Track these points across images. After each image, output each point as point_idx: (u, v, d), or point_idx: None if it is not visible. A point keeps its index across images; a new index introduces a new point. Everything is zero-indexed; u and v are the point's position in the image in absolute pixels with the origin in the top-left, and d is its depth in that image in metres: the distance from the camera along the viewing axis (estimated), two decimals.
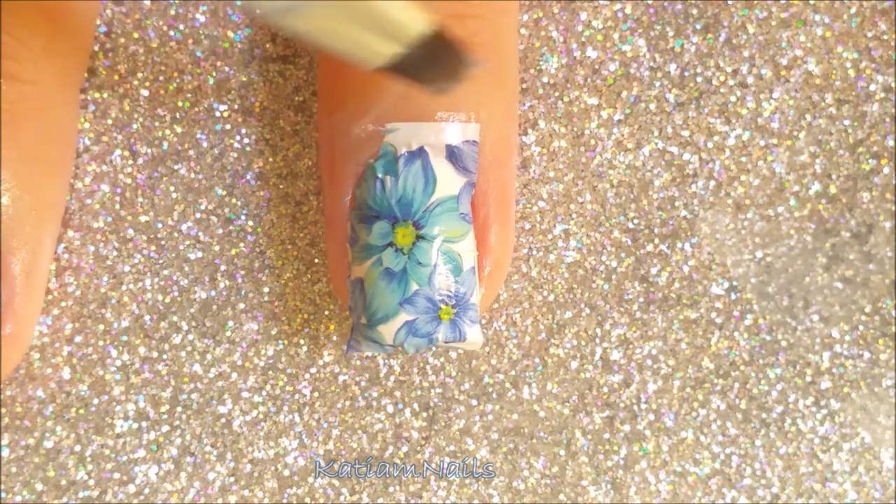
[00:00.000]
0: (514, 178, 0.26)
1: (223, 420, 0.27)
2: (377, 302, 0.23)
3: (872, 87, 0.27)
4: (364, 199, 0.23)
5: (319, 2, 0.19)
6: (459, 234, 0.23)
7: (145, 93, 0.26)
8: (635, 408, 0.27)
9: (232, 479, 0.27)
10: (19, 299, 0.24)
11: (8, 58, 0.23)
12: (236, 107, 0.27)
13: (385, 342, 0.23)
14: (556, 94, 0.27)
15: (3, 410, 0.26)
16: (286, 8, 0.19)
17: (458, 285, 0.23)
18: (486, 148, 0.24)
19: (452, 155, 0.23)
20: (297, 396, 0.27)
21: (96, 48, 0.26)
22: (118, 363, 0.27)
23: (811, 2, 0.27)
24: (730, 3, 0.27)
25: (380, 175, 0.23)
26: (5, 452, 0.26)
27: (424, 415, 0.27)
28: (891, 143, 0.28)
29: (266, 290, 0.27)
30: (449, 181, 0.23)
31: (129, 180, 0.27)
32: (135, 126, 0.27)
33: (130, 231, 0.27)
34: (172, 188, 0.27)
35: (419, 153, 0.23)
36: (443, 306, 0.23)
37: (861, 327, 0.28)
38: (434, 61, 0.21)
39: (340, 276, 0.24)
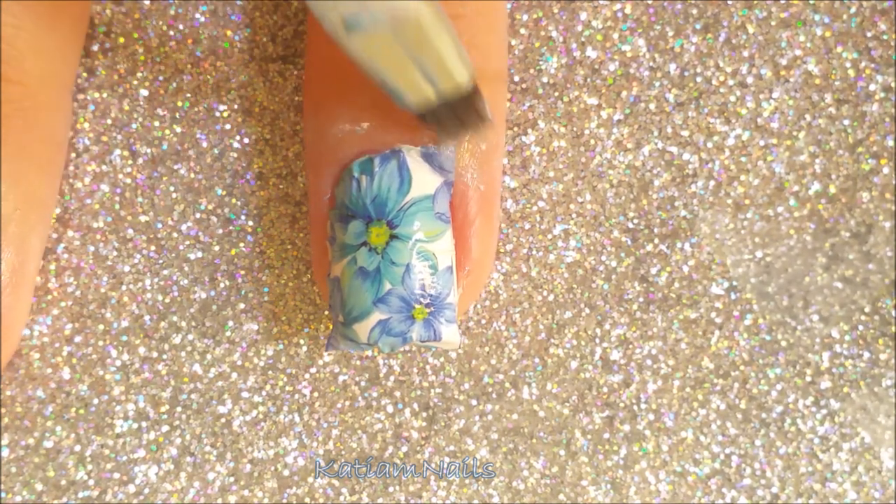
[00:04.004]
0: (500, 178, 0.25)
1: (223, 420, 0.27)
2: (352, 301, 0.23)
3: (872, 87, 0.27)
4: (341, 198, 0.23)
5: (384, 26, 0.19)
6: (435, 233, 0.23)
7: (145, 93, 0.26)
8: (635, 408, 0.27)
9: (232, 479, 0.27)
10: (5, 299, 0.24)
11: None
12: (236, 107, 0.27)
13: (360, 341, 0.23)
14: (556, 93, 0.27)
15: (3, 410, 0.26)
16: (353, 24, 0.19)
17: (432, 285, 0.23)
18: (466, 148, 0.24)
19: (429, 154, 0.23)
20: (296, 396, 0.27)
21: (95, 48, 0.26)
22: (118, 363, 0.27)
23: (811, 2, 0.27)
24: (729, 3, 0.27)
25: (356, 175, 0.23)
26: (5, 452, 0.26)
27: (424, 415, 0.27)
28: (890, 143, 0.28)
29: (266, 289, 0.27)
30: (425, 181, 0.23)
31: (128, 180, 0.27)
32: (134, 126, 0.27)
33: (130, 231, 0.27)
34: (172, 188, 0.27)
35: (395, 153, 0.23)
36: (417, 306, 0.23)
37: (861, 327, 0.28)
38: (457, 114, 0.22)
39: (322, 275, 0.24)
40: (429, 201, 0.23)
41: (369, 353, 0.27)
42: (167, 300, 0.27)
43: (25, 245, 0.24)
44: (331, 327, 0.27)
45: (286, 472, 0.27)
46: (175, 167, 0.27)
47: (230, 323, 0.27)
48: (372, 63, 0.20)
